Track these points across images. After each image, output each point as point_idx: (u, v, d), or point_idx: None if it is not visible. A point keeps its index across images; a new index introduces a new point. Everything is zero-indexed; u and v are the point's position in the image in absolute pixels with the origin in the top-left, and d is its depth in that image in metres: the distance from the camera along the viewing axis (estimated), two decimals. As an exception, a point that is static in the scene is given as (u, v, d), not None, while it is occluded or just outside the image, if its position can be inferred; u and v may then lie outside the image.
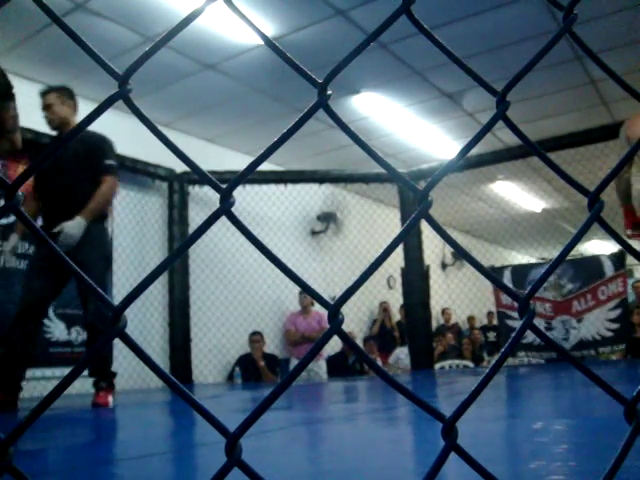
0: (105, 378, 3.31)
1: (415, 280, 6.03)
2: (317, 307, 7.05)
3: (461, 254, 0.52)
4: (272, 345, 6.95)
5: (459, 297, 8.10)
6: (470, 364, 7.57)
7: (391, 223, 6.96)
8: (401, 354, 7.87)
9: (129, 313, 0.46)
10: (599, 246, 12.94)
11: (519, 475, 1.15)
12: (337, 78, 0.52)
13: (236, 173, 0.50)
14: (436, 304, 8.21)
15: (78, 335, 5.35)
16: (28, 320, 3.25)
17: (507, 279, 5.83)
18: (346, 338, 0.48)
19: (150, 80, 5.37)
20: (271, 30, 4.95)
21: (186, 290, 6.15)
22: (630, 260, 6.21)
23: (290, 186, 6.63)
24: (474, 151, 0.64)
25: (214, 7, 0.51)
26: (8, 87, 2.86)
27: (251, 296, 6.79)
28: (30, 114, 5.32)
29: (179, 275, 6.09)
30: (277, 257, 0.48)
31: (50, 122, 3.52)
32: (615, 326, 5.36)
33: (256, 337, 6.45)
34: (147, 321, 5.81)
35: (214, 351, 6.43)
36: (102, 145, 3.50)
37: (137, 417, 3.08)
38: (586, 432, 1.66)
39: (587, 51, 0.60)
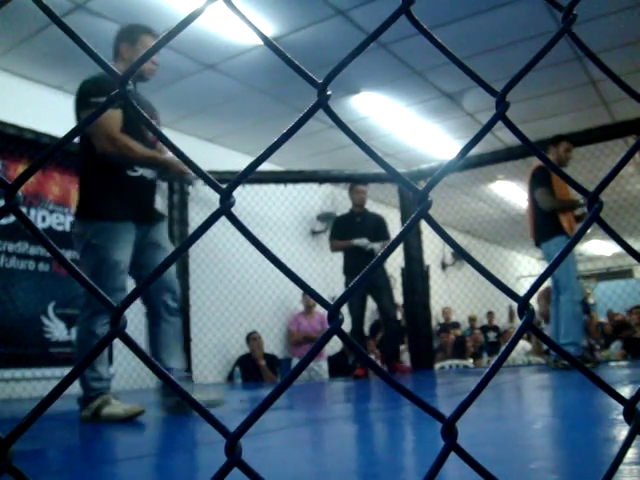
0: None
1: (415, 280, 6.03)
2: (320, 307, 7.03)
3: (460, 254, 0.52)
4: (272, 345, 6.95)
5: (459, 297, 8.11)
6: (470, 364, 7.57)
7: (391, 223, 6.96)
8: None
9: (129, 313, 0.46)
10: (599, 246, 12.95)
11: (519, 475, 1.15)
12: (337, 78, 0.52)
13: (236, 173, 0.50)
14: (436, 304, 8.20)
15: (78, 335, 5.35)
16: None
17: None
18: (346, 338, 0.48)
19: (150, 80, 5.36)
20: (271, 30, 4.95)
21: (186, 290, 6.15)
22: (629, 260, 6.23)
23: (290, 186, 6.62)
24: (474, 151, 0.64)
25: (214, 7, 0.51)
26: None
27: (251, 296, 6.79)
28: (30, 114, 5.33)
29: (179, 275, 6.08)
30: (277, 257, 0.48)
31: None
32: None
33: (255, 335, 6.45)
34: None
35: (214, 351, 6.43)
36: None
37: (137, 417, 3.07)
38: (586, 432, 1.66)
39: (587, 51, 0.60)
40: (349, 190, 5.74)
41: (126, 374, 5.49)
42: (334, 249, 5.59)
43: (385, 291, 5.36)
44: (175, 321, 2.77)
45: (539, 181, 4.49)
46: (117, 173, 2.67)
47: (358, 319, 5.29)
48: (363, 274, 0.50)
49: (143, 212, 2.76)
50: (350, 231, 5.42)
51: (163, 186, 6.38)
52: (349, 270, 5.47)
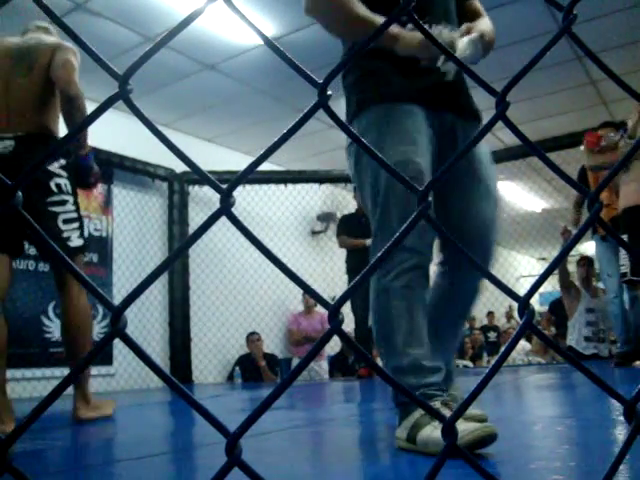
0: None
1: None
2: (320, 307, 7.03)
3: (461, 254, 0.52)
4: (272, 345, 6.95)
5: (459, 297, 8.07)
6: (470, 364, 7.58)
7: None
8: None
9: (129, 313, 0.46)
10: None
11: (519, 475, 1.15)
12: (337, 78, 0.52)
13: (236, 173, 0.50)
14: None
15: (78, 335, 5.34)
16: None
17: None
18: (346, 338, 0.48)
19: (150, 80, 5.36)
20: (271, 30, 4.95)
21: (186, 290, 6.15)
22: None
23: (290, 186, 6.63)
24: (474, 151, 0.63)
25: (214, 7, 0.51)
26: None
27: (251, 296, 6.79)
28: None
29: (179, 275, 6.08)
30: (277, 257, 0.48)
31: None
32: None
33: (255, 337, 6.45)
34: (147, 321, 5.81)
35: (214, 351, 6.42)
36: None
37: (137, 417, 3.08)
38: (586, 432, 1.66)
39: (587, 51, 0.60)
40: (355, 192, 5.81)
41: (126, 374, 5.49)
42: (344, 245, 5.73)
43: None
44: (469, 289, 1.71)
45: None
46: None
47: (363, 320, 5.25)
48: (363, 274, 0.50)
49: (440, 92, 1.71)
50: (355, 230, 5.58)
51: (163, 186, 6.39)
52: (352, 269, 5.57)
